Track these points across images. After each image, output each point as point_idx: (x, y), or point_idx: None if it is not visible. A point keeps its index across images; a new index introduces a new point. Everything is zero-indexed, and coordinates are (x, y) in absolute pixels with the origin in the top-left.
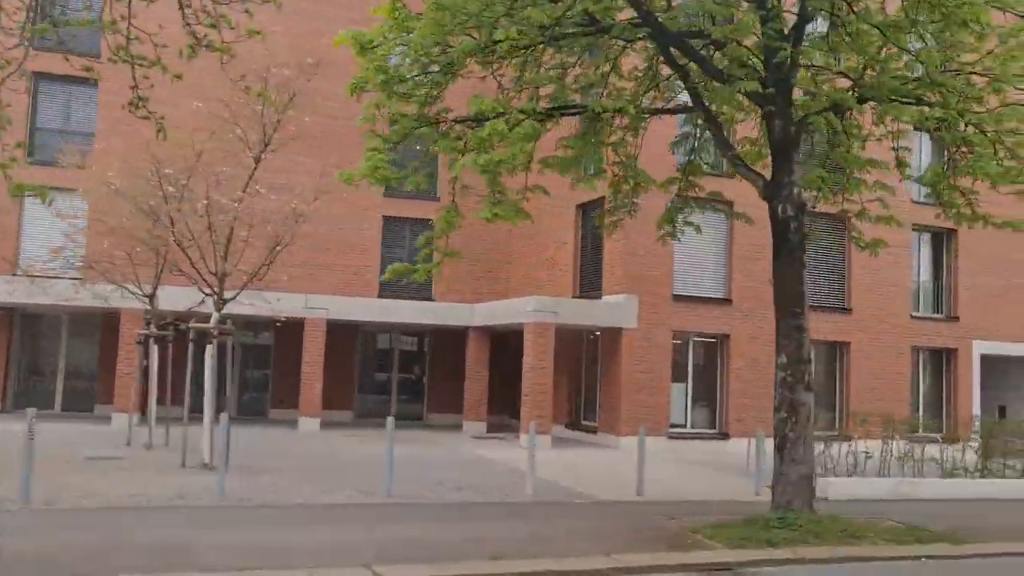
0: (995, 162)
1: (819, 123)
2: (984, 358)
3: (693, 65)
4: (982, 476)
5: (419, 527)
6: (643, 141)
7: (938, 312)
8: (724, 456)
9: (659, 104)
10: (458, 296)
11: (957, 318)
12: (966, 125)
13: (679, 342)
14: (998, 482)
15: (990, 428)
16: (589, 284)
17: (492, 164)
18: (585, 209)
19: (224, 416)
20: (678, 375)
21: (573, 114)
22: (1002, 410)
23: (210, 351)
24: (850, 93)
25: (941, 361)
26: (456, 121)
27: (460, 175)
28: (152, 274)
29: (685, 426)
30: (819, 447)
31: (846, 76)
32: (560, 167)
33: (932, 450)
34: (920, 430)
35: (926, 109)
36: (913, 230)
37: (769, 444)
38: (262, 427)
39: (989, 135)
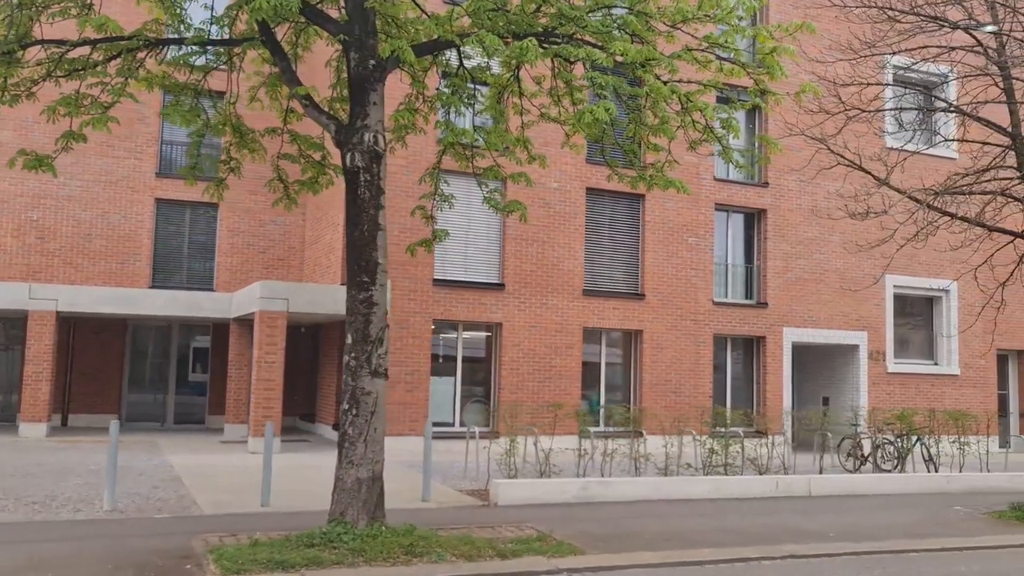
0: (679, 121)
1: (413, 62)
2: (796, 346)
3: None
4: (706, 473)
5: None
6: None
7: (748, 298)
8: (483, 455)
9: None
10: (244, 286)
11: (766, 304)
12: (638, 72)
13: (449, 333)
14: (710, 479)
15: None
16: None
17: None
18: None
19: None
20: (444, 368)
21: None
22: (826, 401)
23: None
24: (447, 27)
25: (751, 350)
26: None
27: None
28: None
29: (452, 424)
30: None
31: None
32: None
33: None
34: (727, 424)
35: (596, 52)
36: (719, 210)
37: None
38: None
39: (668, 85)
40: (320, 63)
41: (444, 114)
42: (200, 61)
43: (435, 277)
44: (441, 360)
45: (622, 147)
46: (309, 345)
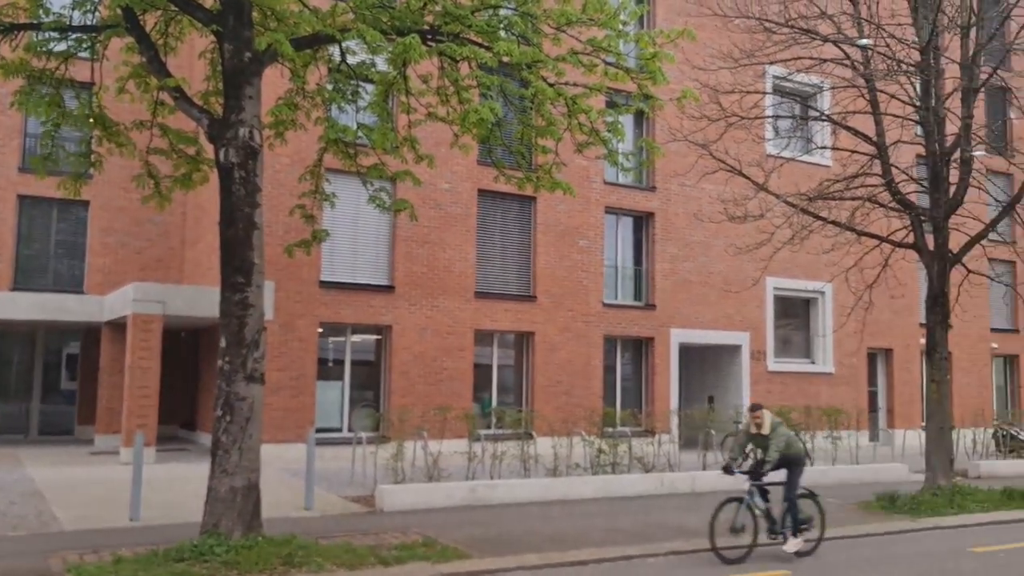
0: (565, 123)
1: (292, 56)
2: (683, 347)
3: None
4: (594, 473)
5: None
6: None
7: (637, 300)
8: (370, 461)
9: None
10: (118, 288)
11: (654, 306)
12: (524, 74)
13: (337, 336)
14: (597, 479)
15: (683, 418)
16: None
17: None
18: None
19: None
20: (332, 372)
21: None
22: (711, 399)
23: None
24: (328, 21)
25: (639, 351)
26: None
27: None
28: None
29: (341, 430)
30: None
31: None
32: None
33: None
34: (616, 424)
35: (484, 53)
36: (609, 213)
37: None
38: None
39: (554, 87)
40: (197, 54)
41: (327, 111)
42: (61, 47)
43: (322, 279)
44: (329, 364)
45: (511, 148)
46: (189, 350)
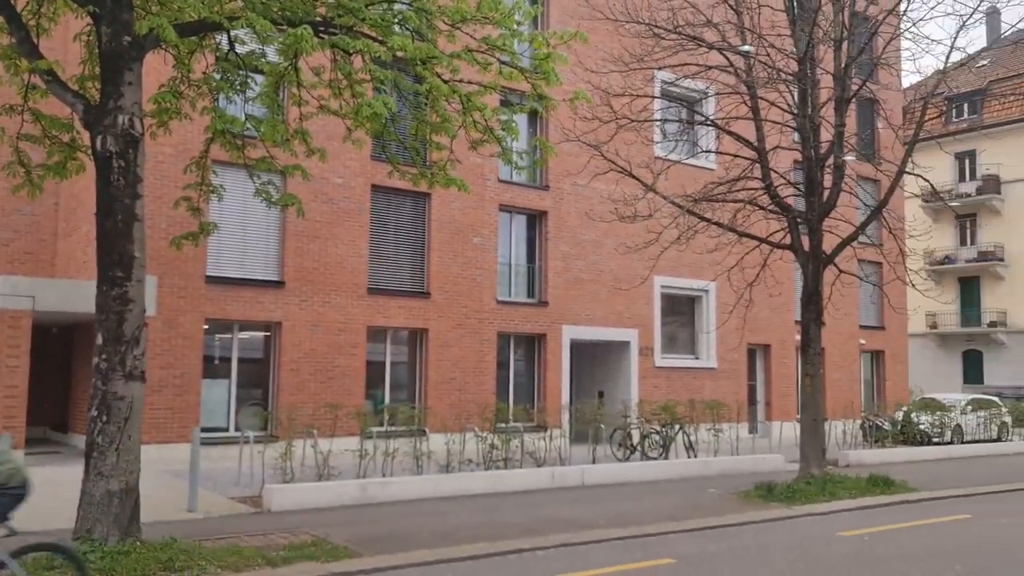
0: (460, 121)
1: (175, 41)
2: (574, 343)
3: None
4: (486, 469)
5: None
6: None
7: (531, 297)
8: (258, 460)
9: None
10: None
11: (547, 303)
12: (419, 70)
13: (224, 333)
14: (489, 475)
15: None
16: None
17: None
18: None
19: None
20: (219, 370)
21: None
22: (601, 394)
23: None
24: (215, 8)
25: (532, 347)
26: None
27: None
28: None
29: (227, 429)
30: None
31: None
32: None
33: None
34: (509, 419)
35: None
36: (503, 211)
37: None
38: None
39: (449, 84)
40: (72, 36)
41: (214, 100)
42: None
43: (208, 274)
44: (215, 362)
45: (405, 144)
46: (61, 348)
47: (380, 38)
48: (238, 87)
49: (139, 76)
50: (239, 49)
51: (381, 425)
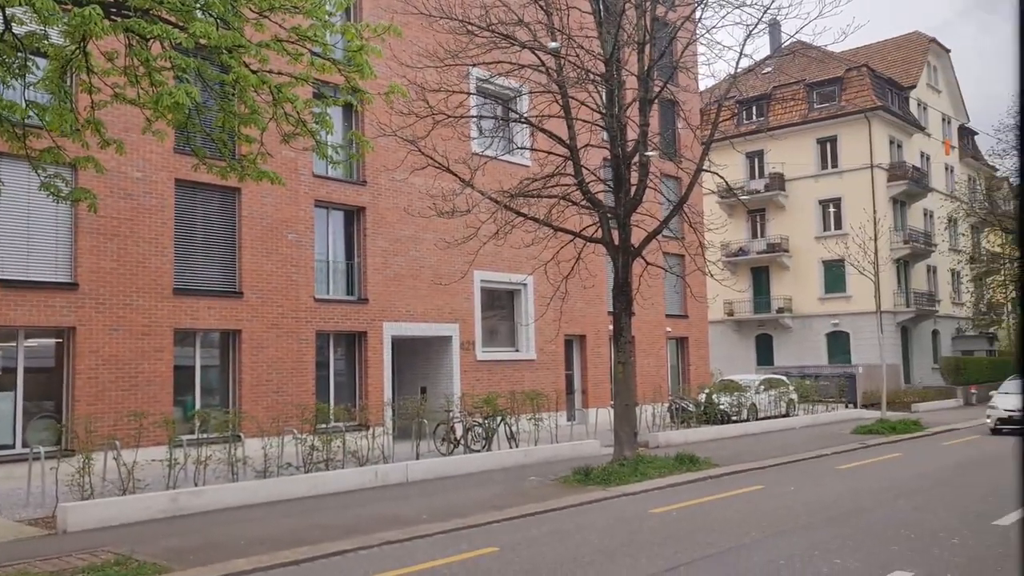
0: (270, 112)
1: None
2: (396, 339)
3: None
4: (307, 471)
5: None
6: None
7: (350, 294)
8: (51, 477)
9: None
10: None
11: (367, 300)
12: (225, 59)
13: (7, 340)
14: (310, 477)
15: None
16: None
17: None
18: None
19: None
20: (2, 382)
21: None
22: (423, 390)
23: None
24: None
25: (353, 345)
26: None
27: None
28: None
29: (13, 446)
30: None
31: None
32: None
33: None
34: (330, 420)
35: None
36: (319, 207)
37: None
38: None
39: (257, 74)
40: None
41: None
42: None
43: None
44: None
45: (211, 136)
46: None
47: (181, 24)
48: (16, 71)
49: None
50: (17, 30)
51: (192, 432)
